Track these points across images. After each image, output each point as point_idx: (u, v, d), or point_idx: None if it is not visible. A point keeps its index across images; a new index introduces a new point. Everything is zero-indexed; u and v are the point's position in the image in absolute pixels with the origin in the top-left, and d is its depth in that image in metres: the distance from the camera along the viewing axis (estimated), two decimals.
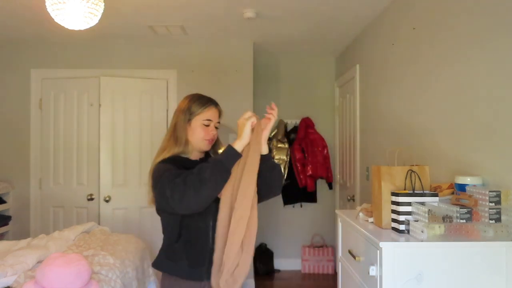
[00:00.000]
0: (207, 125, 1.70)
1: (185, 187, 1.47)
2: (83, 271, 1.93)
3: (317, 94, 4.83)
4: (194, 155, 1.74)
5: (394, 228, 1.71)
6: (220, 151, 1.68)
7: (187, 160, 1.70)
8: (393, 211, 1.72)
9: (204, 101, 1.73)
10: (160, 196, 1.54)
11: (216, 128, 1.75)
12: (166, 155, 1.66)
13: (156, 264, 1.73)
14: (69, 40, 3.97)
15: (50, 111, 4.01)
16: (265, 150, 1.65)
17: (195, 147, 1.71)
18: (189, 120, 1.70)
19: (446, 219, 1.54)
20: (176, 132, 1.69)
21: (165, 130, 4.06)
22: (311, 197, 4.62)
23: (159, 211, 1.70)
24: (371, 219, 1.91)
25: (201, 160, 1.74)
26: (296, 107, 4.77)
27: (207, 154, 1.80)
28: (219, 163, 1.51)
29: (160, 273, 1.76)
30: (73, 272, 1.89)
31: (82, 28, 2.51)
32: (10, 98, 4.04)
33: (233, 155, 1.54)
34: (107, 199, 3.83)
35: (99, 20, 2.56)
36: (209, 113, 1.71)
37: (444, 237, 1.53)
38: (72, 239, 2.81)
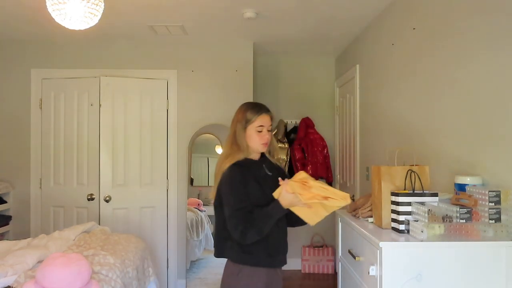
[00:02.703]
0: (260, 131, 1.91)
1: (245, 238, 1.78)
2: (83, 271, 1.93)
3: (317, 94, 4.83)
4: (254, 156, 1.97)
5: (394, 228, 1.71)
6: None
7: (252, 161, 1.94)
8: (393, 211, 1.72)
9: (256, 109, 1.93)
10: (230, 224, 1.80)
11: (269, 131, 1.94)
12: (232, 160, 1.88)
13: (235, 259, 1.88)
14: (69, 40, 3.97)
15: (50, 111, 4.00)
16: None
17: (254, 149, 1.94)
18: (245, 128, 1.92)
19: (446, 219, 1.54)
20: (237, 140, 1.93)
21: (165, 130, 4.10)
22: None
23: (218, 207, 1.91)
24: (371, 219, 1.91)
25: (261, 160, 1.98)
26: (296, 107, 4.77)
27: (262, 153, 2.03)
28: (271, 218, 1.80)
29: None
30: (73, 272, 1.89)
31: (82, 28, 2.51)
32: (10, 98, 4.04)
33: (280, 210, 1.79)
34: (107, 199, 3.83)
35: (99, 20, 2.56)
36: (261, 120, 1.91)
37: (444, 237, 1.53)
38: (72, 239, 2.81)
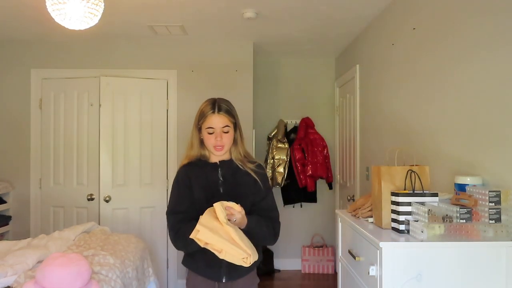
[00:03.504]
0: (211, 133, 1.76)
1: (175, 245, 1.79)
2: (83, 271, 1.93)
3: (317, 94, 4.83)
4: (214, 157, 1.84)
5: (394, 228, 1.71)
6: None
7: (206, 163, 1.84)
8: (393, 211, 1.72)
9: (207, 109, 1.78)
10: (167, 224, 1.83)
11: (226, 132, 1.77)
12: (185, 160, 1.84)
13: (182, 260, 1.89)
14: (69, 40, 3.97)
15: (50, 111, 4.01)
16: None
17: (211, 151, 1.82)
18: (200, 127, 1.80)
19: (446, 219, 1.54)
20: (191, 138, 1.84)
21: (165, 130, 4.11)
22: (311, 197, 4.62)
23: None
24: (371, 219, 1.91)
25: (221, 162, 1.84)
26: (296, 107, 4.77)
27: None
28: (186, 245, 1.73)
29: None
30: (73, 272, 1.89)
31: (82, 28, 2.51)
32: (10, 98, 4.04)
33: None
34: (107, 199, 3.83)
35: (99, 20, 2.56)
36: (210, 122, 1.76)
37: (444, 237, 1.53)
38: (72, 239, 2.81)
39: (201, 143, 1.83)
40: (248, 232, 1.69)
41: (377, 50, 3.33)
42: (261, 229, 1.74)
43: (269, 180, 1.94)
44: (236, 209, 1.64)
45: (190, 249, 1.73)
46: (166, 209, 4.40)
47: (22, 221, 3.98)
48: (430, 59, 2.37)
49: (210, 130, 1.76)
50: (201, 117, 1.78)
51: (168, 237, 3.94)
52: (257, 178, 1.82)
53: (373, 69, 3.44)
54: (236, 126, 1.82)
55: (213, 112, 1.76)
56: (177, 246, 1.78)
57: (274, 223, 1.82)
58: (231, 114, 1.79)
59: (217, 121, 1.76)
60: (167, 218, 1.81)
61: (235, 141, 1.83)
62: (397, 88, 2.88)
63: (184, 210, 1.77)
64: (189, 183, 1.79)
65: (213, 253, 1.69)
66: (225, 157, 1.85)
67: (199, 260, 1.79)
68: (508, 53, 1.68)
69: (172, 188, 1.85)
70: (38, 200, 4.01)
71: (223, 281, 1.79)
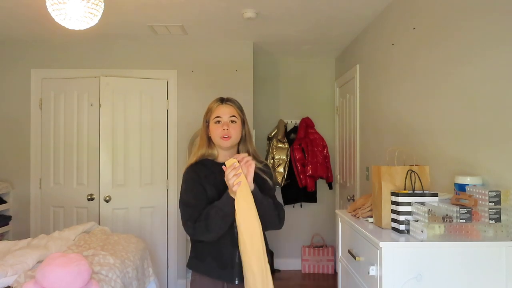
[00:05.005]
0: (218, 122, 1.76)
1: (195, 231, 1.67)
2: (83, 271, 1.93)
3: (317, 94, 4.83)
4: (223, 156, 1.81)
5: (394, 228, 1.71)
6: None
7: (213, 162, 1.80)
8: (393, 211, 1.72)
9: (214, 101, 1.82)
10: (181, 218, 1.72)
11: (233, 122, 1.77)
12: (192, 159, 1.81)
13: (188, 263, 1.82)
14: (69, 40, 3.97)
15: (50, 111, 4.01)
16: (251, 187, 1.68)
17: (218, 146, 1.80)
18: (208, 121, 1.81)
19: (446, 219, 1.54)
20: (201, 134, 1.83)
21: (165, 130, 4.11)
22: (311, 197, 4.62)
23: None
24: (371, 219, 1.91)
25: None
26: (296, 107, 4.77)
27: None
28: (219, 210, 1.64)
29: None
30: (73, 272, 1.89)
31: (82, 28, 2.51)
32: (10, 98, 4.04)
33: (227, 201, 1.64)
34: (107, 199, 3.83)
35: (99, 20, 2.56)
36: (217, 111, 1.78)
37: (444, 237, 1.53)
38: (72, 239, 2.81)
39: (209, 141, 1.81)
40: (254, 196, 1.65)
41: (377, 50, 3.33)
42: (267, 200, 1.71)
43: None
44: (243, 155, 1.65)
45: (212, 225, 1.63)
46: (166, 209, 4.39)
47: (22, 221, 3.98)
48: (430, 59, 2.37)
49: (216, 119, 1.77)
50: (208, 111, 1.81)
51: (168, 236, 4.00)
52: (266, 178, 1.80)
53: (373, 69, 3.44)
54: (244, 123, 1.83)
55: (221, 103, 1.80)
56: (210, 230, 1.64)
57: (278, 206, 1.79)
58: (238, 107, 1.81)
59: (224, 110, 1.77)
60: (183, 210, 1.71)
61: (243, 138, 1.83)
62: (397, 88, 2.88)
63: (202, 207, 1.69)
64: (200, 181, 1.74)
65: (226, 254, 1.70)
66: (230, 153, 1.81)
67: (212, 262, 1.73)
68: (508, 53, 1.68)
69: (185, 184, 1.76)
70: (38, 200, 4.01)
71: (236, 282, 1.72)
